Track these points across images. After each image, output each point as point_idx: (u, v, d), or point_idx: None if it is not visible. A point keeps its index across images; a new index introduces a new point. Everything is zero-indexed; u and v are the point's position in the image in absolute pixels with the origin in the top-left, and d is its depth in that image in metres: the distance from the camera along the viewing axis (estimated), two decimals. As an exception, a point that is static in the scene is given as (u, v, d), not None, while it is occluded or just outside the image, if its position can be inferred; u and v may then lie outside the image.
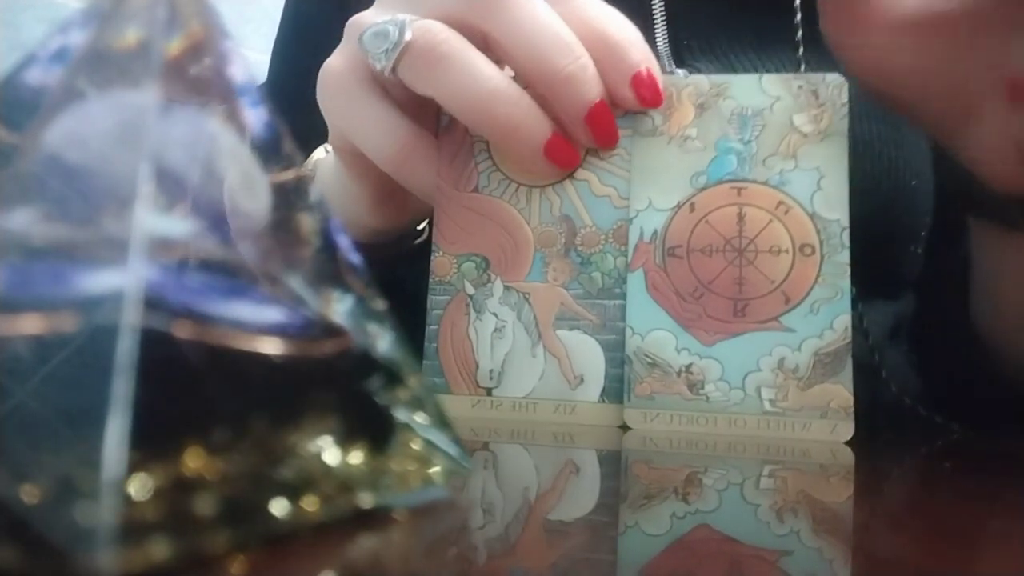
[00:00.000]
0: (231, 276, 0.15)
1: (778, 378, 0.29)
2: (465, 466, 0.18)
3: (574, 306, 0.31)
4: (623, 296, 0.31)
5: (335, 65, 0.33)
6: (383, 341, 0.17)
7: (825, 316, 0.29)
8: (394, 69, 0.30)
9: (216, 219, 0.15)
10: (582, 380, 0.31)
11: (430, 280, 0.32)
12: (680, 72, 0.42)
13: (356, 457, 0.16)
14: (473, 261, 0.32)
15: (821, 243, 0.30)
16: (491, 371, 0.31)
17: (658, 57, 0.44)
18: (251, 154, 0.16)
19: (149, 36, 0.15)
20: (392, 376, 0.17)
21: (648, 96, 0.31)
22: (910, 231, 0.43)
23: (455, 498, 0.18)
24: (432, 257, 0.33)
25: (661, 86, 0.31)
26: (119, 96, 0.15)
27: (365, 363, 0.17)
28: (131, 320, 0.12)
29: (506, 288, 0.32)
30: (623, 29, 0.31)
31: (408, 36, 0.30)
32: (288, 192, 0.17)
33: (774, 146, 0.30)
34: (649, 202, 0.31)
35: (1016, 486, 0.24)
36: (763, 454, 0.26)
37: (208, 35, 0.16)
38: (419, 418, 0.17)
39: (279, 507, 0.14)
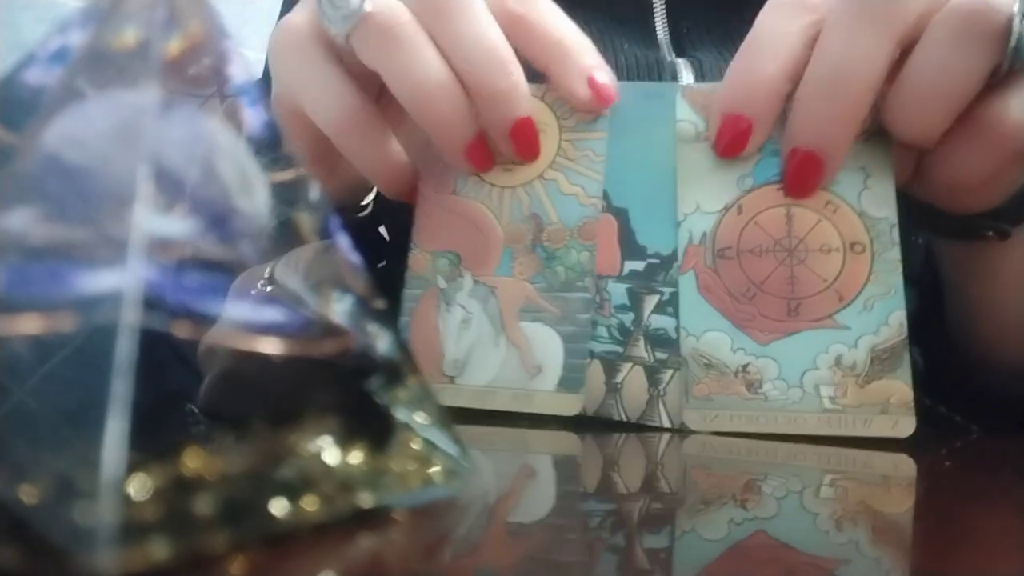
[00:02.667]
0: (231, 276, 0.15)
1: (836, 375, 0.29)
2: (465, 466, 0.18)
3: (538, 299, 0.32)
4: (585, 289, 0.32)
5: (293, 22, 0.33)
6: (383, 341, 0.17)
7: (880, 313, 0.29)
8: (348, 36, 0.31)
9: (215, 219, 0.15)
10: (540, 370, 0.31)
11: (407, 275, 0.34)
12: (680, 62, 0.42)
13: (356, 457, 0.16)
14: (447, 257, 0.34)
15: (871, 240, 0.30)
16: (456, 360, 0.32)
17: (658, 47, 0.44)
18: (250, 153, 0.16)
19: (149, 36, 0.15)
20: (392, 376, 0.17)
21: (603, 95, 0.32)
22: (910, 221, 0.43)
23: (456, 497, 0.18)
24: (410, 254, 0.34)
25: (616, 87, 0.32)
26: (118, 96, 0.15)
27: (365, 363, 0.17)
28: (131, 320, 0.12)
29: (475, 282, 0.33)
30: (577, 38, 0.32)
31: (368, 7, 0.30)
32: (288, 191, 0.17)
33: None
34: (697, 206, 0.31)
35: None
36: (823, 462, 0.26)
37: (207, 35, 0.16)
38: (419, 418, 0.17)
39: (279, 507, 0.14)
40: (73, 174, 0.15)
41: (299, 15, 0.33)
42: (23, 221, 0.14)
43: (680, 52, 0.43)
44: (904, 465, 0.26)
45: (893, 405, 0.29)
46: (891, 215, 0.30)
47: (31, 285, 0.14)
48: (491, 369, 0.32)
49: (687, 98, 0.32)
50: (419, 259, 0.34)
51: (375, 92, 0.33)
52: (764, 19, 0.30)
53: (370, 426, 0.17)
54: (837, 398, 0.29)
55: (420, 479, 0.17)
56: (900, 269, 0.29)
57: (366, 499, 0.15)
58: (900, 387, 0.29)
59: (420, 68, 0.30)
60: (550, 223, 0.32)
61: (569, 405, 0.31)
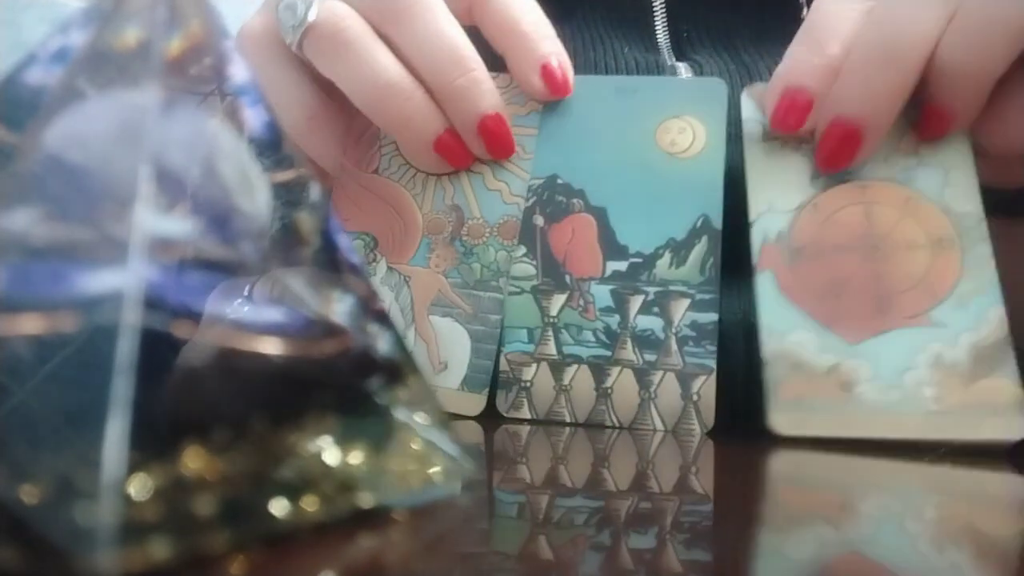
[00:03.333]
0: (232, 276, 0.15)
1: (938, 375, 0.28)
2: (465, 466, 0.18)
3: (450, 294, 0.32)
4: (499, 289, 0.31)
5: (252, 28, 0.33)
6: (383, 341, 0.17)
7: (977, 309, 0.28)
8: (300, 46, 0.31)
9: (216, 219, 0.15)
10: (446, 366, 0.31)
11: None
12: (680, 65, 0.42)
13: (356, 457, 0.16)
14: (363, 239, 0.33)
15: (958, 236, 0.29)
16: None
17: (658, 50, 0.44)
18: (251, 153, 0.16)
19: (149, 36, 0.15)
20: (392, 376, 0.17)
21: (557, 86, 0.31)
22: None
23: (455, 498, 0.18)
24: None
25: (571, 77, 0.32)
26: (119, 96, 0.15)
27: (365, 363, 0.17)
28: (131, 320, 0.12)
29: (389, 269, 0.33)
30: (535, 23, 0.31)
31: (312, 17, 0.30)
32: (288, 191, 0.17)
33: (894, 143, 0.30)
34: (769, 205, 0.30)
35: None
36: (926, 482, 0.24)
37: (208, 35, 0.16)
38: (419, 418, 0.17)
39: (279, 507, 0.14)
40: (74, 174, 0.15)
41: (257, 20, 0.33)
42: (24, 221, 0.14)
43: (680, 55, 0.43)
44: (1015, 485, 0.25)
45: (1003, 406, 0.27)
46: (976, 209, 0.29)
47: (32, 285, 0.14)
48: None
49: (753, 97, 0.31)
50: None
51: (335, 90, 0.33)
52: (823, 2, 0.29)
53: (370, 426, 0.17)
54: (942, 398, 0.27)
55: (420, 479, 0.17)
56: (993, 263, 0.28)
57: (366, 499, 0.15)
58: (1007, 386, 0.27)
59: (368, 71, 0.30)
60: (472, 217, 0.32)
61: (472, 405, 0.31)
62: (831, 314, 0.29)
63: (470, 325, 0.31)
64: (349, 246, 0.17)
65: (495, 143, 0.32)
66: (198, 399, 0.17)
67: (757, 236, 0.30)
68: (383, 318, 0.17)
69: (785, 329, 0.29)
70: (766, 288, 0.29)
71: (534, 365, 0.31)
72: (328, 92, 0.33)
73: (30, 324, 0.14)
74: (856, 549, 0.16)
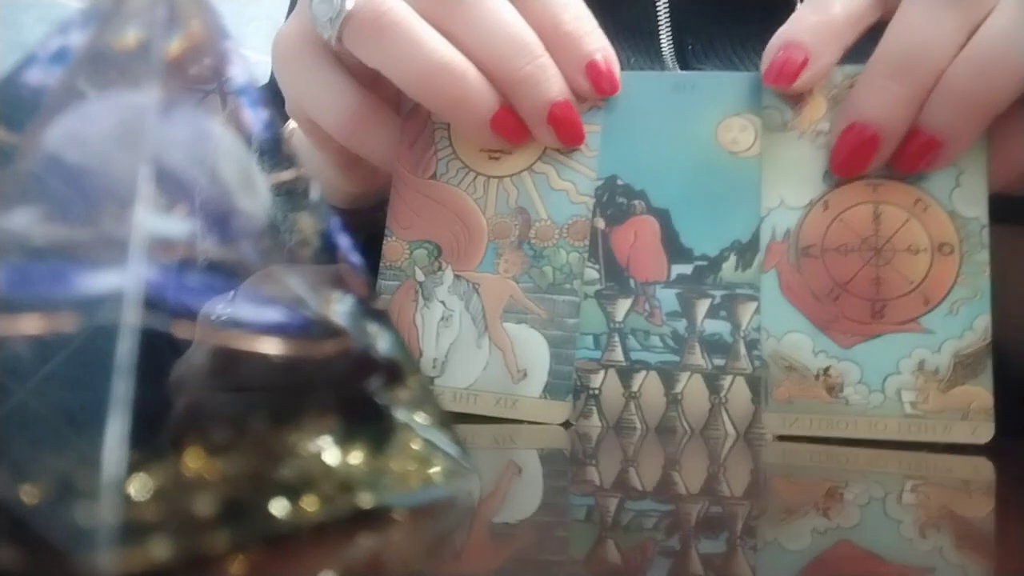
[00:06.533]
0: (231, 276, 0.15)
1: (918, 380, 0.28)
2: (465, 466, 0.18)
3: (523, 299, 0.31)
4: (573, 292, 0.30)
5: (287, 32, 0.32)
6: (383, 341, 0.17)
7: (965, 317, 0.28)
8: (340, 39, 0.30)
9: (216, 219, 0.15)
10: (525, 375, 0.30)
11: (380, 265, 0.32)
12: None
13: (356, 457, 0.16)
14: (425, 248, 0.32)
15: (960, 242, 0.29)
16: (435, 360, 0.31)
17: (662, 61, 0.44)
18: (251, 154, 0.16)
19: (149, 36, 0.15)
20: (392, 376, 0.17)
21: (604, 84, 0.31)
22: None
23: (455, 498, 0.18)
24: (384, 241, 0.32)
25: (617, 74, 0.31)
26: (119, 96, 0.15)
27: (365, 363, 0.17)
28: (131, 320, 0.12)
29: (456, 277, 0.31)
30: (578, 19, 0.31)
31: (350, 5, 0.29)
32: (288, 192, 0.17)
33: None
34: (781, 200, 0.30)
35: None
36: (903, 467, 0.26)
37: (208, 35, 0.16)
38: (419, 418, 0.17)
39: (279, 507, 0.14)
40: (74, 174, 0.15)
41: (292, 24, 0.32)
42: (24, 221, 0.14)
43: (684, 66, 0.43)
44: (984, 469, 0.26)
45: (973, 411, 0.28)
46: (982, 215, 0.29)
47: (32, 285, 0.14)
48: (473, 371, 0.30)
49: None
50: (395, 248, 0.32)
51: (386, 86, 0.32)
52: None
53: (370, 426, 0.17)
54: (919, 404, 0.28)
55: (420, 479, 0.17)
56: (988, 272, 0.28)
57: (366, 499, 0.15)
58: (981, 393, 0.28)
59: (416, 52, 0.29)
60: (539, 219, 0.31)
61: (556, 413, 0.30)
62: (827, 317, 0.29)
63: (547, 331, 0.30)
64: (349, 246, 0.17)
65: (566, 131, 0.30)
66: (199, 400, 0.17)
67: (765, 233, 0.30)
68: (383, 318, 0.17)
69: (782, 331, 0.29)
70: (769, 288, 0.29)
71: (602, 372, 0.30)
72: (373, 88, 0.32)
73: (30, 324, 0.14)
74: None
